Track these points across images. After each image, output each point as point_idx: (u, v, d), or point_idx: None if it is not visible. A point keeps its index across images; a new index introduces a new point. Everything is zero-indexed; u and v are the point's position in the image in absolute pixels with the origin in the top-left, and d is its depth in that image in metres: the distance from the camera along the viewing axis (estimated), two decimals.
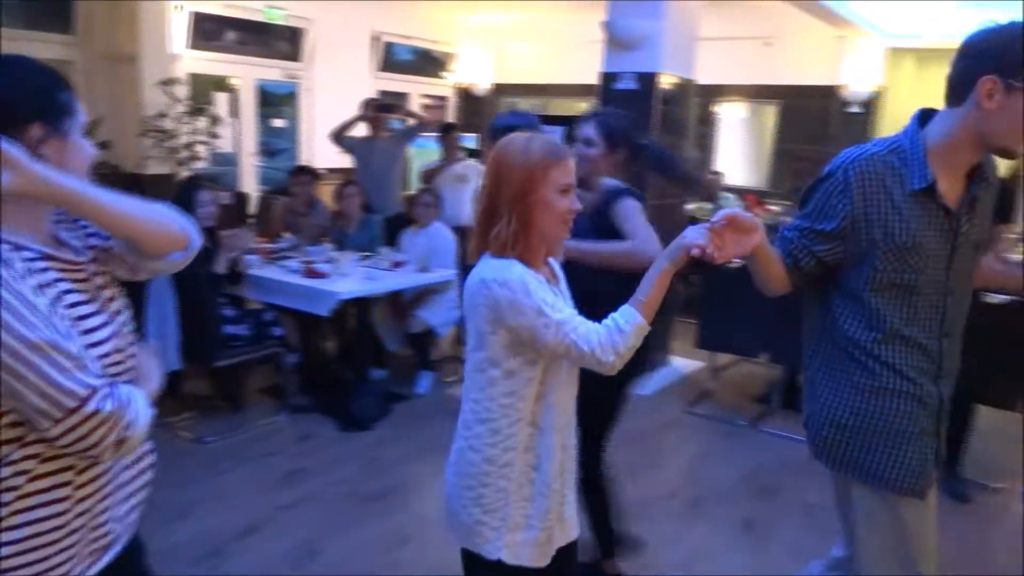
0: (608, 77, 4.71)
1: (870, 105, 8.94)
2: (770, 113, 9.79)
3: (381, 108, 5.59)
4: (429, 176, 5.57)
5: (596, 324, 1.49)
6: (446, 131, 5.68)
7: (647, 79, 4.57)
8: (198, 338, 3.61)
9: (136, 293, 3.50)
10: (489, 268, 1.48)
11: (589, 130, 2.47)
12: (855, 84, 8.89)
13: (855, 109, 8.97)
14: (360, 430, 3.94)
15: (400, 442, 3.85)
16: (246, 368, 4.26)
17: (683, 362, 5.20)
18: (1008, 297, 3.69)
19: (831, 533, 3.03)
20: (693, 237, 1.49)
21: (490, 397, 1.54)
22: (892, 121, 9.69)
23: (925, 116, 1.64)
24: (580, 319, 1.49)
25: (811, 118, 9.24)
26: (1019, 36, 1.49)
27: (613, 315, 1.51)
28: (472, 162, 5.70)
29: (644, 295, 1.50)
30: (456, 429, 1.62)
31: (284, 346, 3.98)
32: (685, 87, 4.85)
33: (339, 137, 5.58)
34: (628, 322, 1.48)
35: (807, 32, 8.64)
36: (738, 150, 10.07)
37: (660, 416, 4.37)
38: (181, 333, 3.59)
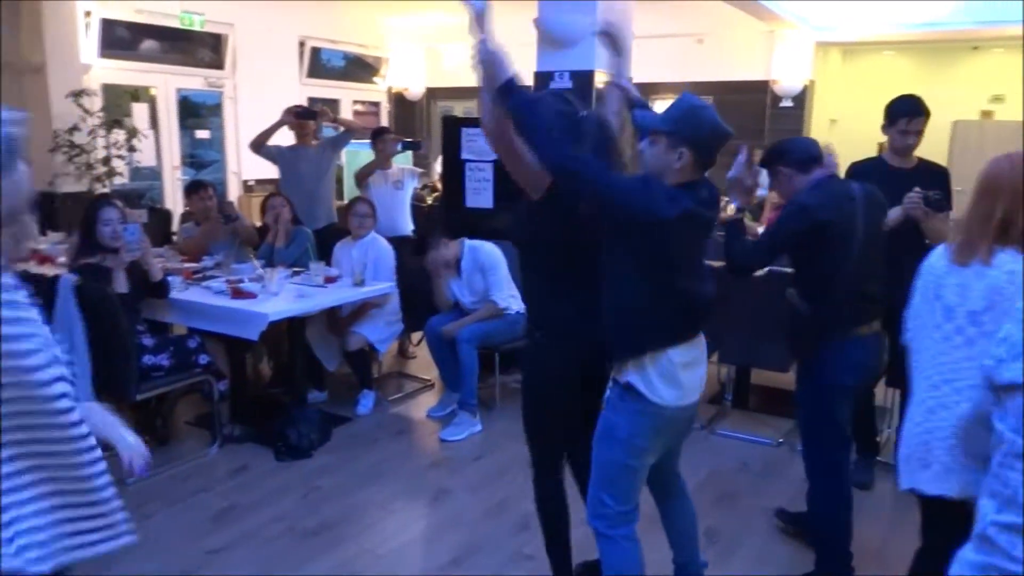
0: (541, 77, 4.58)
1: (801, 99, 9.04)
2: None
3: (302, 115, 5.32)
4: (361, 178, 5.30)
5: None
6: (378, 135, 5.44)
7: (582, 77, 4.46)
8: (113, 369, 3.32)
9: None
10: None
11: None
12: (785, 79, 8.97)
13: (787, 103, 9.06)
14: (298, 459, 3.69)
15: (342, 469, 3.62)
16: (172, 399, 3.97)
17: None
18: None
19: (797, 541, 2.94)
20: None
21: None
22: (821, 115, 9.85)
23: None
24: None
25: (744, 114, 9.26)
26: None
27: None
28: (408, 167, 5.47)
29: None
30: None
31: (212, 373, 3.70)
32: None
33: (259, 147, 5.30)
34: None
35: (737, 28, 8.69)
36: None
37: None
38: (93, 364, 3.29)
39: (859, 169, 3.38)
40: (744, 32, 8.81)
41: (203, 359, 3.67)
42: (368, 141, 5.60)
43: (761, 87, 9.17)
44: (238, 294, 3.73)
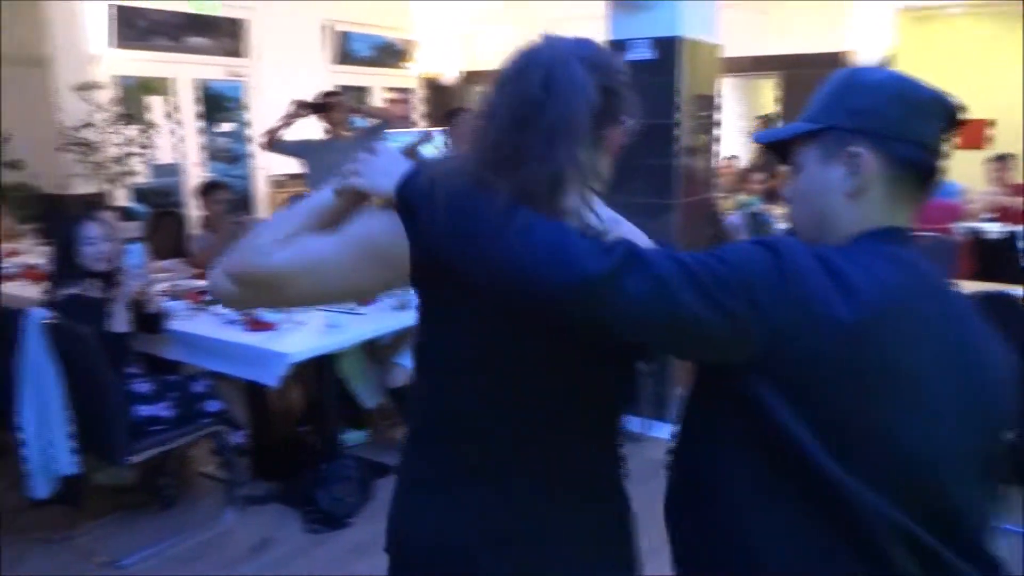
0: (616, 46, 3.78)
1: None
2: (767, 87, 8.97)
3: (314, 107, 4.59)
4: None
5: None
6: (451, 118, 4.42)
7: (666, 45, 3.66)
8: (98, 427, 2.64)
9: (5, 373, 2.52)
10: None
11: None
12: (864, 51, 8.05)
13: None
14: (332, 528, 2.98)
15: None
16: (181, 451, 3.27)
17: None
18: None
19: None
20: None
21: None
22: None
23: None
24: None
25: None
26: None
27: None
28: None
29: None
30: None
31: (224, 423, 3.00)
32: (709, 54, 3.94)
33: (271, 144, 4.60)
34: None
35: None
36: (733, 129, 9.21)
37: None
38: (76, 422, 2.61)
39: None
40: None
41: (213, 406, 2.97)
42: (404, 131, 4.84)
43: (835, 60, 8.25)
44: (254, 325, 3.01)
